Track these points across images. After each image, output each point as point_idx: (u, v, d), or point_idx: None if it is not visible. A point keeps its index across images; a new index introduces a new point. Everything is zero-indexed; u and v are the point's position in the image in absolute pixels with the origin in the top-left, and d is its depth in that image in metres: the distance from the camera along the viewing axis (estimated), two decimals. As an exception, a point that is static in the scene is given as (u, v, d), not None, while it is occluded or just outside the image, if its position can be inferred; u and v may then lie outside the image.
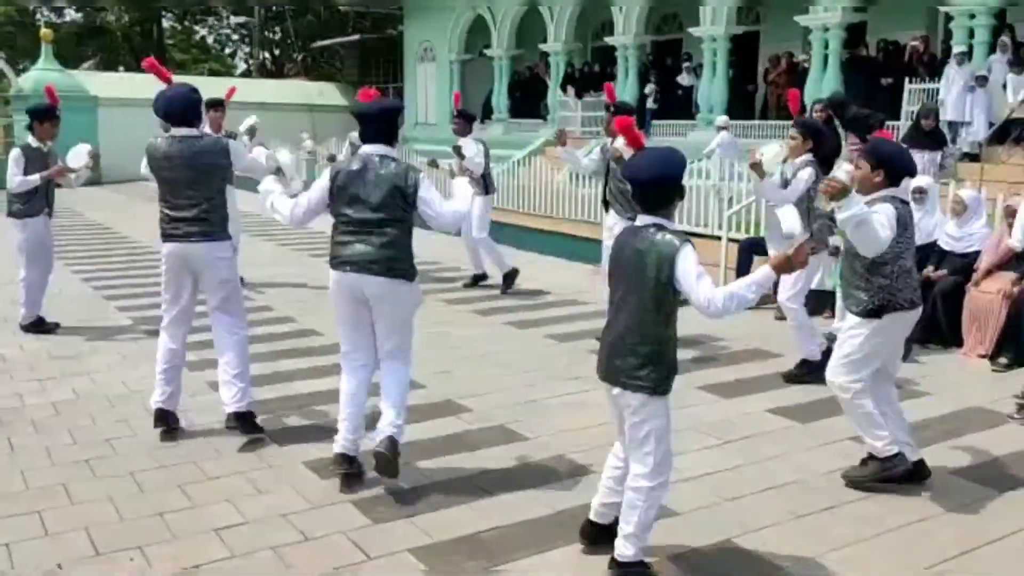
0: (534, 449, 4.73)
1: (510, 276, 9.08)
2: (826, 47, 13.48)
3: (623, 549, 3.32)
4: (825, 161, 6.38)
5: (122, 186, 20.80)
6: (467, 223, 8.99)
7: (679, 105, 16.19)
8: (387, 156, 4.19)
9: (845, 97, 10.49)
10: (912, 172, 4.21)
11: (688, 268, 3.14)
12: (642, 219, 3.28)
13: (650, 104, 16.62)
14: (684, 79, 16.69)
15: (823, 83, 13.28)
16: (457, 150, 8.81)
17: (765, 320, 7.85)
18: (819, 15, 13.39)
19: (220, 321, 4.92)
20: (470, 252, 9.28)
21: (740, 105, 15.72)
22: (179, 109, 4.75)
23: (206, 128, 8.34)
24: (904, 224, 4.04)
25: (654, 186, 3.25)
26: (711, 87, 15.40)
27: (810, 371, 5.79)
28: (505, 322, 7.82)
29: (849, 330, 4.21)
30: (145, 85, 25.68)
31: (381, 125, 4.24)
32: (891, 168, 4.05)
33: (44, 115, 7.05)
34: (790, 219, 4.06)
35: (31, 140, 7.03)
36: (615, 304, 3.35)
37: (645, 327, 3.26)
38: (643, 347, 3.25)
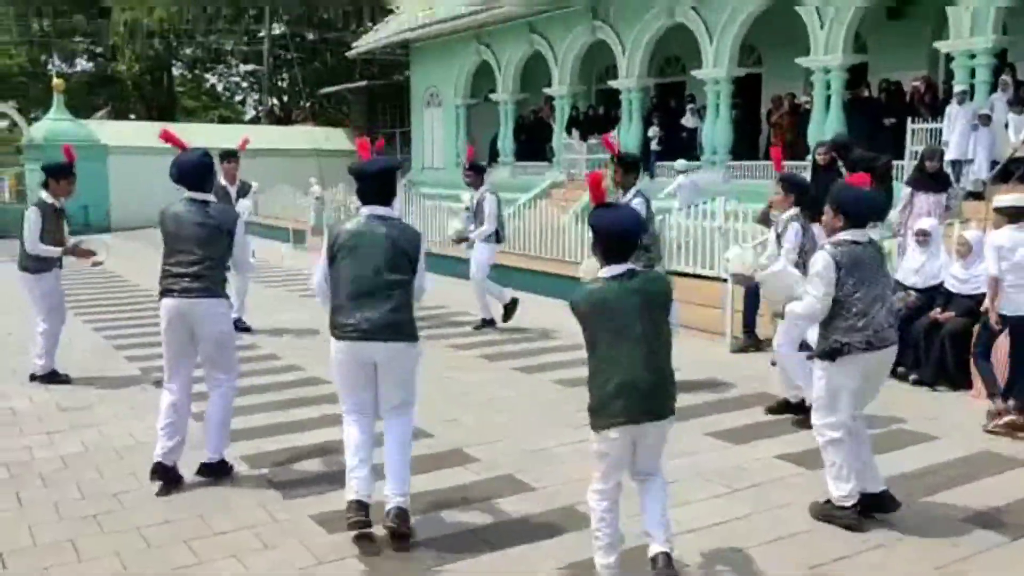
0: (543, 500, 4.71)
1: (510, 307, 9.24)
2: (828, 88, 13.60)
3: (669, 545, 3.63)
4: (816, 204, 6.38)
5: (132, 233, 20.98)
6: (472, 266, 9.18)
7: (683, 146, 16.31)
8: (388, 217, 4.22)
9: (849, 139, 10.55)
10: (871, 216, 4.51)
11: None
12: (621, 267, 3.54)
13: (654, 146, 16.74)
14: (688, 121, 16.83)
15: (826, 124, 13.37)
16: (459, 235, 9.46)
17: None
18: (819, 57, 13.53)
19: (209, 373, 5.06)
20: (478, 297, 9.38)
21: (745, 145, 15.85)
22: (191, 175, 4.95)
23: (221, 179, 8.51)
24: (852, 267, 4.21)
25: (627, 238, 3.59)
26: (714, 128, 15.53)
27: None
28: (513, 367, 7.82)
29: (815, 373, 4.42)
30: (153, 134, 25.91)
31: (380, 185, 4.25)
32: (850, 213, 4.29)
33: (60, 172, 7.11)
34: (785, 284, 4.64)
35: (46, 196, 7.08)
36: (619, 345, 3.48)
37: (669, 356, 3.64)
38: (671, 374, 3.65)
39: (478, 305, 9.41)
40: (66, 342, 8.79)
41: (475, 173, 9.36)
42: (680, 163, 14.12)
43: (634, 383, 3.46)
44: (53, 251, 6.99)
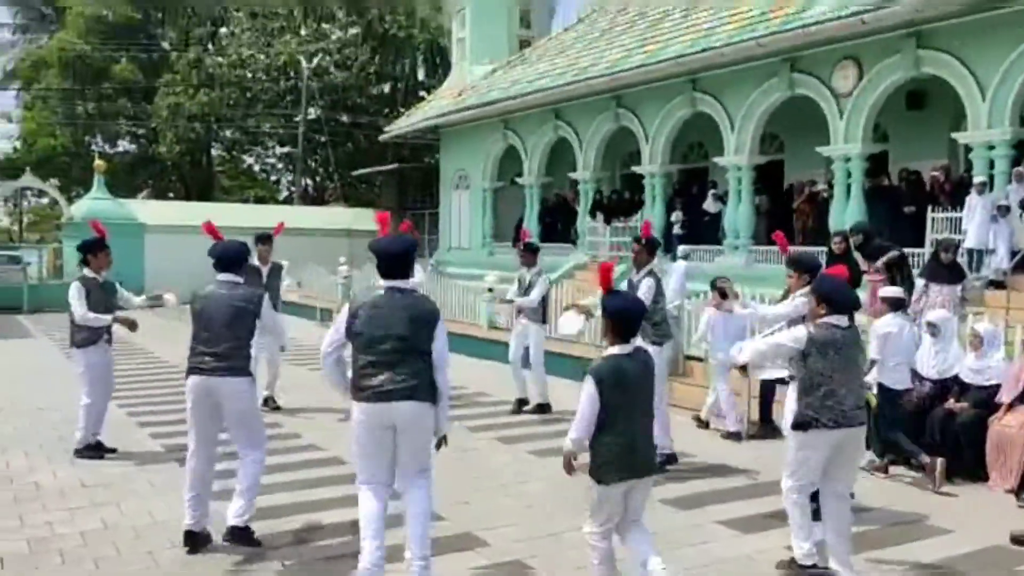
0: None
1: (544, 407, 9.38)
2: (848, 176, 13.76)
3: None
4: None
5: (165, 310, 21.37)
6: (516, 351, 9.42)
7: (706, 231, 16.48)
8: (405, 289, 4.45)
9: (868, 227, 10.66)
10: (850, 304, 4.86)
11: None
12: (630, 346, 4.13)
13: (676, 230, 16.93)
14: (710, 206, 17.03)
15: (846, 212, 13.49)
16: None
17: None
18: (840, 146, 13.74)
19: (239, 445, 5.34)
20: (517, 379, 9.49)
21: (770, 231, 15.91)
22: (227, 259, 5.36)
23: (254, 260, 8.87)
24: (824, 347, 4.66)
25: (634, 320, 4.20)
26: (736, 214, 15.71)
27: None
28: (528, 450, 7.86)
29: (788, 441, 4.90)
30: (188, 213, 26.73)
31: (398, 260, 4.49)
32: (832, 300, 4.76)
33: (94, 248, 7.46)
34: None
35: (87, 272, 7.38)
36: (627, 412, 4.04)
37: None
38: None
39: (538, 390, 9.48)
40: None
41: (530, 253, 9.64)
42: (681, 249, 14.19)
43: (634, 445, 4.07)
44: (104, 319, 7.27)
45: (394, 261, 4.47)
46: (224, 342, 5.13)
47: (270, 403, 9.48)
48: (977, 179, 11.56)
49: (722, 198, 16.56)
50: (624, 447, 4.02)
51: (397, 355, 4.29)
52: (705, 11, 16.56)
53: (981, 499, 6.38)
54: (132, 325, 7.47)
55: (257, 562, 5.07)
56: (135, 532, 5.58)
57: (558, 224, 20.40)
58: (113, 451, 7.54)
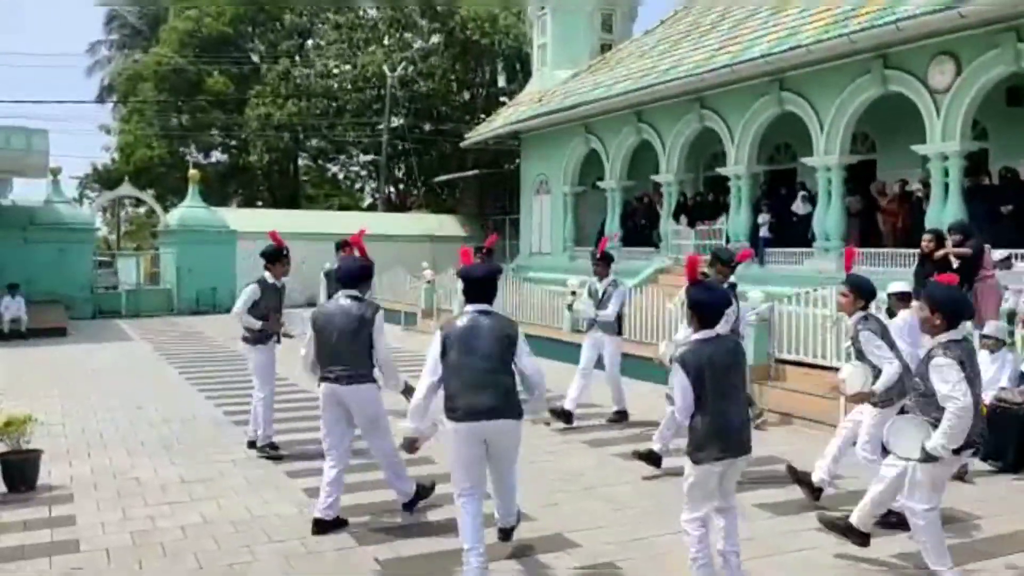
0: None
1: (621, 414, 9.27)
2: (945, 175, 13.27)
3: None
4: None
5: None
6: (588, 361, 9.33)
7: (795, 233, 16.10)
8: (490, 312, 4.78)
9: (967, 226, 10.23)
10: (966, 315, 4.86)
11: None
12: (712, 331, 4.42)
13: (764, 233, 16.59)
14: (799, 207, 16.63)
15: (944, 212, 13.02)
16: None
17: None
18: (937, 144, 13.26)
19: (371, 444, 5.91)
20: (613, 390, 9.40)
21: (862, 232, 15.46)
22: (348, 277, 5.83)
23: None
24: (967, 361, 4.49)
25: (719, 308, 4.54)
26: (827, 215, 15.30)
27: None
28: (613, 453, 7.79)
29: None
30: (277, 220, 27.23)
31: (483, 287, 4.81)
32: (949, 312, 4.60)
33: (274, 256, 7.80)
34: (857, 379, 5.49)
35: (268, 276, 7.80)
36: (717, 393, 4.29)
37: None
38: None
39: (613, 397, 9.40)
40: (189, 417, 9.32)
41: (603, 264, 9.46)
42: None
43: (727, 425, 4.31)
44: (255, 324, 7.63)
45: (478, 286, 4.82)
46: (347, 353, 5.59)
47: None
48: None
49: (812, 199, 16.15)
50: (717, 427, 4.27)
51: (487, 376, 4.62)
52: (793, 10, 16.21)
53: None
54: (280, 328, 7.78)
55: (354, 559, 5.15)
56: (233, 527, 5.73)
57: (640, 227, 20.22)
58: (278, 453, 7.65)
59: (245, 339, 7.81)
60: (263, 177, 40.21)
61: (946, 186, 13.24)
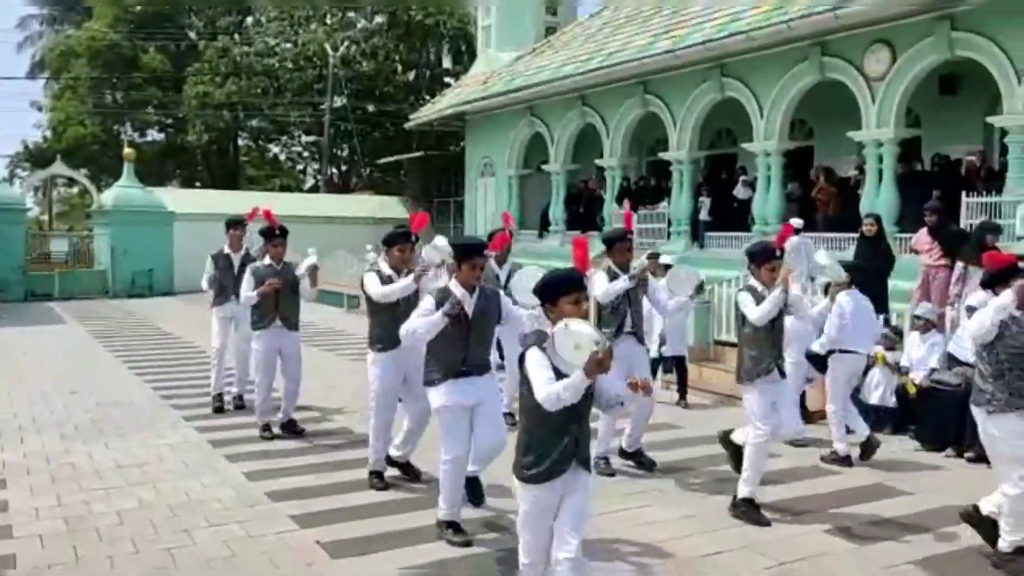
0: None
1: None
2: (880, 162, 13.58)
3: None
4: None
5: (194, 296, 21.58)
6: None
7: (735, 218, 16.33)
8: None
9: (942, 208, 10.53)
10: None
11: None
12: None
13: (704, 217, 16.81)
14: (739, 192, 16.88)
15: (878, 197, 13.33)
16: None
17: (825, 435, 7.75)
18: (872, 131, 13.55)
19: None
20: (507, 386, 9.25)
21: (790, 216, 15.76)
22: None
23: (225, 248, 8.76)
24: None
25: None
26: (766, 200, 15.56)
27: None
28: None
29: None
30: (216, 201, 26.79)
31: None
32: None
33: (268, 236, 7.60)
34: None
35: (267, 259, 7.64)
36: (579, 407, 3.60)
37: None
38: None
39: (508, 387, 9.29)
40: (125, 400, 9.14)
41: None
42: (795, 221, 13.52)
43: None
44: (251, 296, 7.40)
45: None
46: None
47: (233, 401, 8.89)
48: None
49: (752, 184, 16.41)
50: (572, 441, 3.65)
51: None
52: (734, -5, 16.38)
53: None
54: (271, 287, 7.39)
55: (295, 541, 5.10)
56: (171, 511, 5.63)
57: (584, 211, 20.33)
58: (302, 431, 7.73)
59: (251, 324, 7.65)
60: (202, 157, 39.39)
61: (880, 172, 13.56)
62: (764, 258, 5.78)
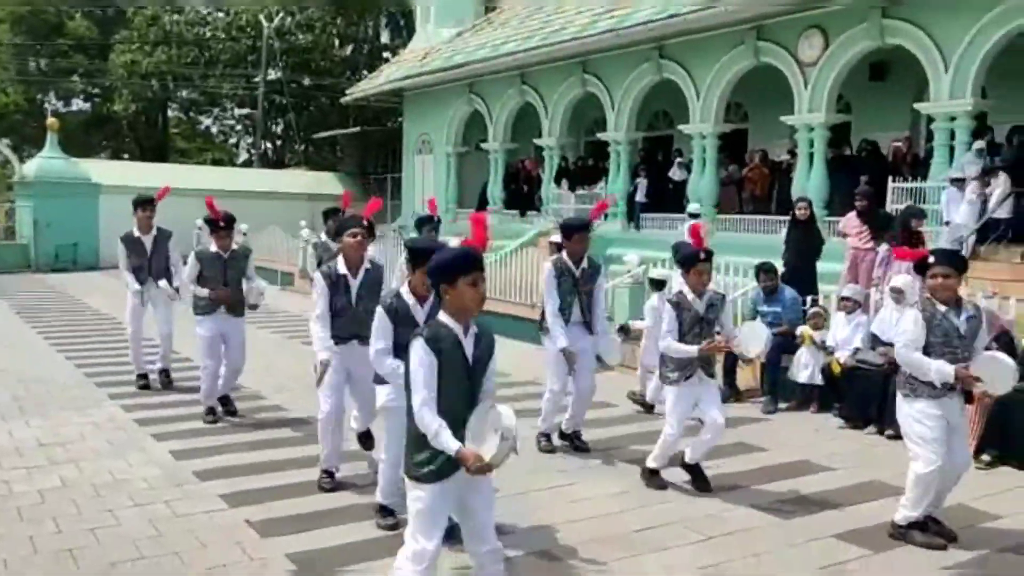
0: (517, 542, 4.73)
1: None
2: (811, 146, 13.87)
3: None
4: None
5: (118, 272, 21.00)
6: None
7: (670, 199, 16.53)
8: None
9: (872, 193, 10.79)
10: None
11: None
12: None
13: (640, 198, 16.97)
14: (675, 174, 17.07)
15: (809, 181, 13.62)
16: None
17: (753, 412, 7.92)
18: (803, 115, 13.82)
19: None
20: None
21: (728, 199, 16.05)
22: None
23: (135, 230, 8.31)
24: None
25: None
26: (701, 182, 15.77)
27: None
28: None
29: None
30: (145, 174, 26.01)
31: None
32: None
33: (211, 227, 7.29)
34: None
35: (212, 247, 7.31)
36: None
37: None
38: None
39: None
40: (48, 377, 8.87)
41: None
42: (693, 206, 13.90)
43: None
44: (202, 292, 7.18)
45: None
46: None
47: (159, 378, 8.68)
48: (954, 174, 11.56)
49: (687, 166, 16.60)
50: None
51: None
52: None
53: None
54: (223, 297, 7.22)
55: (223, 520, 5.01)
56: (95, 490, 5.49)
57: (523, 191, 20.33)
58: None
59: (194, 307, 7.37)
60: (129, 128, 38.28)
61: (811, 156, 13.85)
62: (691, 262, 5.56)
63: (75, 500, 5.29)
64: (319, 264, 7.84)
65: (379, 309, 4.42)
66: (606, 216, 17.26)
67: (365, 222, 5.55)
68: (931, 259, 4.70)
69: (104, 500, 5.31)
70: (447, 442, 3.16)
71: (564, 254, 6.44)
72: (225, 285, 7.23)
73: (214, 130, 43.23)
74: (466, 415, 3.25)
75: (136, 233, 8.36)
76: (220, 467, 5.94)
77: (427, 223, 8.73)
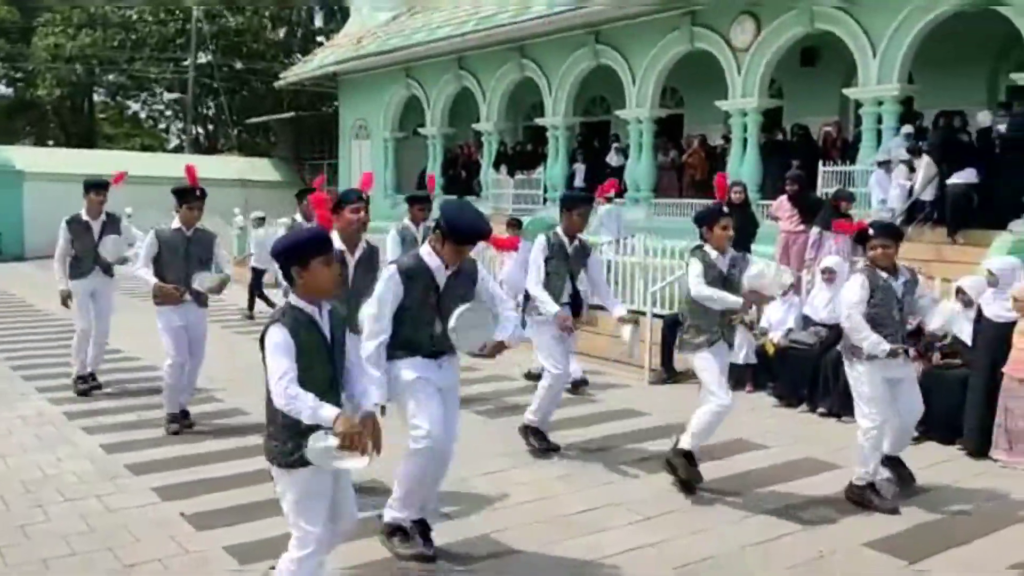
0: (458, 527, 4.73)
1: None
2: (745, 131, 14.09)
3: None
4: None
5: (46, 261, 20.34)
6: None
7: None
8: None
9: (803, 177, 11.01)
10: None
11: None
12: None
13: (579, 183, 17.04)
14: (612, 159, 17.20)
15: (742, 165, 13.84)
16: None
17: (689, 394, 8.03)
18: (737, 100, 14.03)
19: None
20: None
21: (665, 182, 16.24)
22: None
23: (83, 213, 7.67)
24: None
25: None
26: (638, 167, 15.91)
27: None
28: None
29: None
30: (71, 160, 25.28)
31: None
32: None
33: (182, 196, 6.56)
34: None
35: (175, 223, 6.59)
36: None
37: None
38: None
39: None
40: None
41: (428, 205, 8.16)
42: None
43: None
44: (144, 276, 6.53)
45: None
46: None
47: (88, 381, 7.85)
48: (880, 157, 11.85)
49: (624, 151, 16.72)
50: None
51: None
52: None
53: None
54: (171, 294, 6.48)
55: (156, 514, 4.91)
56: (23, 486, 5.32)
57: (461, 176, 20.26)
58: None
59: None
60: (54, 114, 37.01)
61: (745, 141, 14.08)
62: (714, 218, 5.36)
63: (2, 496, 5.13)
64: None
65: (390, 272, 4.21)
66: (545, 201, 17.33)
67: (365, 196, 5.11)
68: (871, 231, 5.15)
69: (33, 496, 5.15)
70: (325, 414, 3.06)
71: (559, 229, 6.07)
72: (186, 273, 6.44)
73: (143, 115, 42.04)
74: (329, 395, 3.21)
75: (85, 216, 7.71)
76: (153, 460, 5.82)
77: (419, 202, 7.81)
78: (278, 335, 3.17)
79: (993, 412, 6.09)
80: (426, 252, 4.28)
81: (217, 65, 32.61)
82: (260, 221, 14.52)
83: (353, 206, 4.97)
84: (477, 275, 4.41)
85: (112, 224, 7.82)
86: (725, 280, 5.35)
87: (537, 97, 18.23)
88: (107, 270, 7.83)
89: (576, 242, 6.07)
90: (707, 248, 5.43)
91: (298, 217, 8.11)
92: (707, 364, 5.31)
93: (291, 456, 3.23)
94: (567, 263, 6.03)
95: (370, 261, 5.10)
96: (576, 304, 6.14)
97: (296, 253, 3.24)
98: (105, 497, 5.14)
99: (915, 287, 5.24)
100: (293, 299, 3.28)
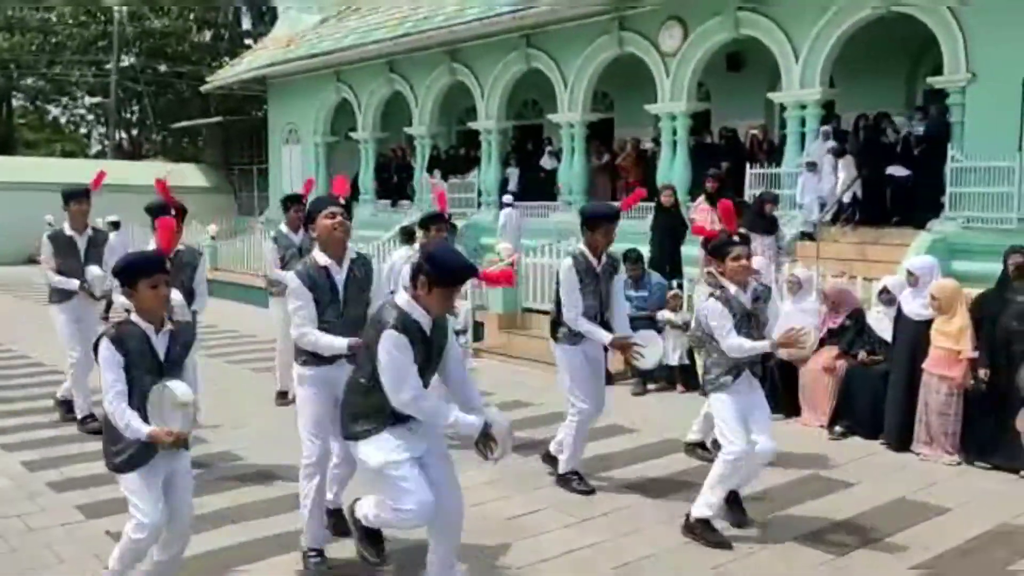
0: (392, 533, 4.69)
1: None
2: (674, 134, 14.30)
3: None
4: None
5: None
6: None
7: (541, 188, 16.72)
8: None
9: (724, 175, 11.20)
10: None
11: None
12: None
13: (512, 187, 17.07)
14: (545, 162, 17.29)
15: (672, 168, 14.05)
16: None
17: (623, 395, 8.13)
18: (666, 104, 14.23)
19: None
20: None
21: (600, 186, 16.39)
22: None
23: (66, 228, 6.90)
24: None
25: None
26: (570, 170, 16.02)
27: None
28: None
29: None
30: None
31: None
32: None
33: (157, 215, 5.46)
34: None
35: (152, 244, 5.60)
36: None
37: None
38: None
39: None
40: None
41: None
42: (506, 198, 14.74)
43: None
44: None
45: None
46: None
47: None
48: (807, 159, 12.12)
49: (557, 155, 16.82)
50: None
51: None
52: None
53: (795, 434, 6.84)
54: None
55: (82, 533, 4.77)
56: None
57: (394, 180, 20.14)
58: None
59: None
60: (-31, 119, 35.72)
61: (675, 144, 14.29)
62: (726, 249, 4.76)
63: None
64: (283, 263, 7.14)
65: (389, 333, 3.57)
66: (479, 205, 17.34)
67: (342, 201, 4.44)
68: (735, 240, 4.75)
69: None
70: (139, 428, 3.41)
71: (584, 247, 5.40)
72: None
73: (63, 120, 40.82)
74: None
75: (68, 231, 6.85)
76: (76, 477, 5.64)
77: (435, 221, 6.32)
78: (106, 352, 3.44)
79: (914, 407, 6.30)
80: (404, 302, 3.66)
81: (141, 68, 31.86)
82: (114, 226, 13.51)
83: (326, 211, 4.28)
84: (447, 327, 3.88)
85: (100, 239, 7.09)
86: (749, 317, 4.72)
87: (470, 101, 18.22)
88: (92, 292, 6.91)
89: (605, 258, 5.39)
90: (726, 284, 4.77)
91: (283, 228, 7.46)
92: (726, 406, 4.69)
93: (116, 458, 3.59)
94: (596, 283, 5.37)
95: (365, 279, 4.37)
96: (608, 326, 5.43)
97: (125, 274, 3.47)
98: (26, 516, 4.98)
99: (768, 300, 4.82)
100: (133, 315, 3.52)
